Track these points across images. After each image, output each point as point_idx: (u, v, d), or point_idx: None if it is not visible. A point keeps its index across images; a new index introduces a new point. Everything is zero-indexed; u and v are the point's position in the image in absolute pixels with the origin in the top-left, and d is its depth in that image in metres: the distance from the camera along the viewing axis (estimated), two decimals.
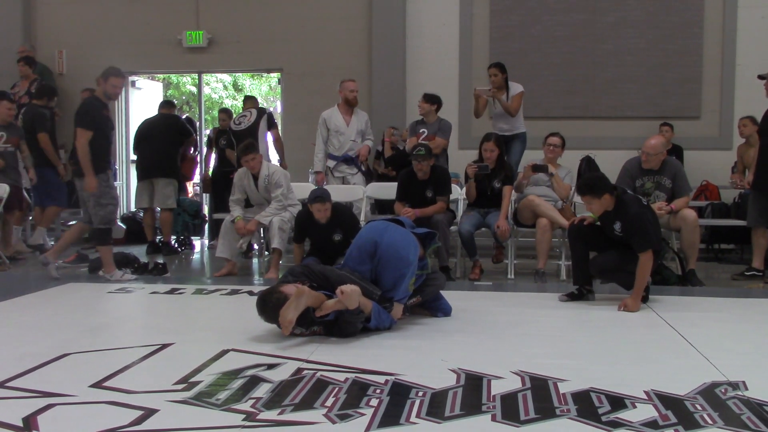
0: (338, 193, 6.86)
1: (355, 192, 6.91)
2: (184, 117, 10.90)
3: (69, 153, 8.08)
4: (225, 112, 9.03)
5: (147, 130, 7.97)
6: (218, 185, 8.42)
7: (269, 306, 3.79)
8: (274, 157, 8.00)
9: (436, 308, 4.44)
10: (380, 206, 7.63)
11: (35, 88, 8.28)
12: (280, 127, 8.76)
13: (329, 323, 3.79)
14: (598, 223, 4.90)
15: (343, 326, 3.79)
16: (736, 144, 8.06)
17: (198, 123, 10.55)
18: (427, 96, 6.99)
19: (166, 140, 7.86)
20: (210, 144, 8.99)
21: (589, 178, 4.78)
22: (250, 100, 8.59)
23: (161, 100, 9.78)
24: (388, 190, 6.92)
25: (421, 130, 6.99)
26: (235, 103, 17.56)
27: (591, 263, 4.99)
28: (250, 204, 6.54)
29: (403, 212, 5.99)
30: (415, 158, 6.04)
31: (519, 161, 7.06)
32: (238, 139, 7.37)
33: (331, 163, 7.13)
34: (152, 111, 8.56)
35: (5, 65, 9.34)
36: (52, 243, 7.45)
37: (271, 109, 8.08)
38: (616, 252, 4.79)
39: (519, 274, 6.28)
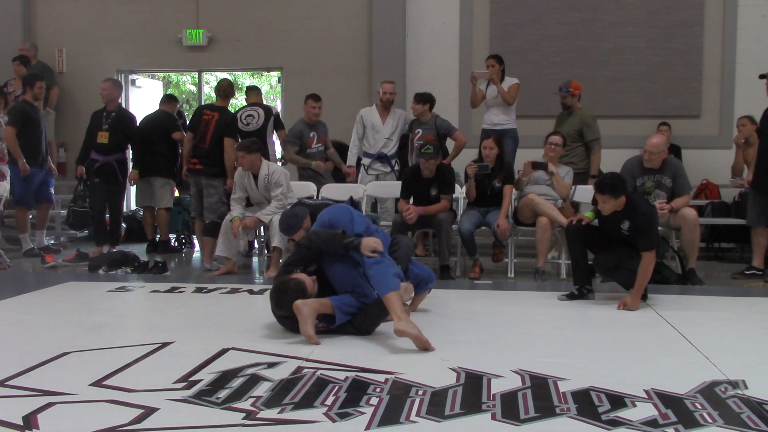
0: (337, 191, 6.88)
1: (354, 190, 6.91)
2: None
3: (79, 156, 7.83)
4: None
5: (144, 128, 7.87)
6: None
7: (289, 298, 3.73)
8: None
9: (418, 279, 4.37)
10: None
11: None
12: None
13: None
14: (595, 222, 4.91)
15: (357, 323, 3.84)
16: None
17: None
18: (418, 96, 7.01)
19: (161, 140, 7.76)
20: None
21: (612, 178, 4.69)
22: (253, 93, 7.94)
23: (162, 96, 9.53)
24: (388, 189, 6.93)
25: (416, 130, 7.00)
26: (234, 102, 17.51)
27: (595, 262, 5.00)
28: (250, 203, 6.54)
29: (406, 211, 5.97)
30: (423, 156, 6.03)
31: (512, 159, 7.07)
32: (244, 138, 7.22)
33: (366, 161, 7.19)
34: (151, 109, 8.46)
35: (5, 64, 9.32)
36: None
37: (277, 109, 7.76)
38: (619, 249, 4.80)
39: (519, 273, 6.28)
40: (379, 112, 7.21)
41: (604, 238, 4.87)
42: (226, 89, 7.03)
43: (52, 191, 7.77)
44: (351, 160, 7.29)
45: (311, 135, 7.06)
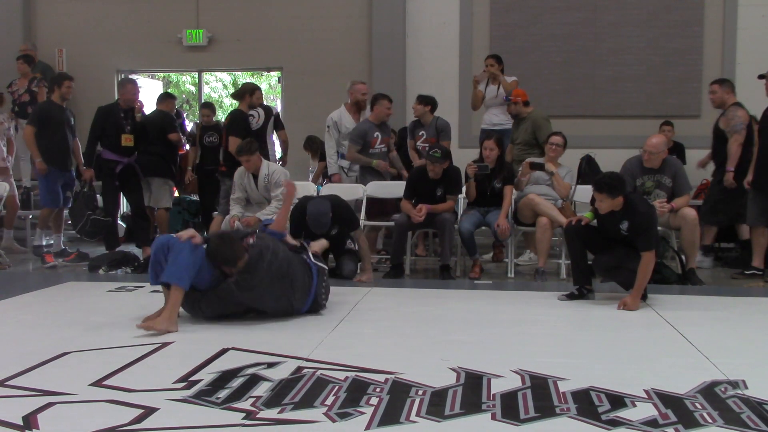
0: (338, 191, 6.87)
1: (354, 191, 6.91)
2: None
3: (87, 158, 7.57)
4: (207, 107, 8.72)
5: (142, 128, 7.77)
6: (201, 183, 8.32)
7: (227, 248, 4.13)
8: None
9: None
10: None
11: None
12: None
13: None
14: (595, 222, 4.91)
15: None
16: None
17: (198, 122, 10.44)
18: (421, 97, 7.00)
19: (159, 140, 7.66)
20: (193, 141, 8.53)
21: (611, 178, 4.67)
22: None
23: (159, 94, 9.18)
24: (387, 189, 6.91)
25: (420, 133, 7.00)
26: (234, 102, 17.47)
27: (594, 263, 4.99)
28: (250, 203, 6.54)
29: (414, 210, 5.98)
30: (431, 159, 6.02)
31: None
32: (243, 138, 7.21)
33: (345, 164, 7.11)
34: (151, 109, 8.41)
35: (5, 63, 9.32)
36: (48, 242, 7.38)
37: (277, 109, 7.72)
38: (618, 249, 4.80)
39: (519, 273, 6.28)
40: (351, 114, 7.11)
41: (603, 238, 4.87)
42: (236, 92, 7.42)
43: (69, 195, 7.33)
44: (333, 167, 7.12)
45: (375, 135, 6.87)
